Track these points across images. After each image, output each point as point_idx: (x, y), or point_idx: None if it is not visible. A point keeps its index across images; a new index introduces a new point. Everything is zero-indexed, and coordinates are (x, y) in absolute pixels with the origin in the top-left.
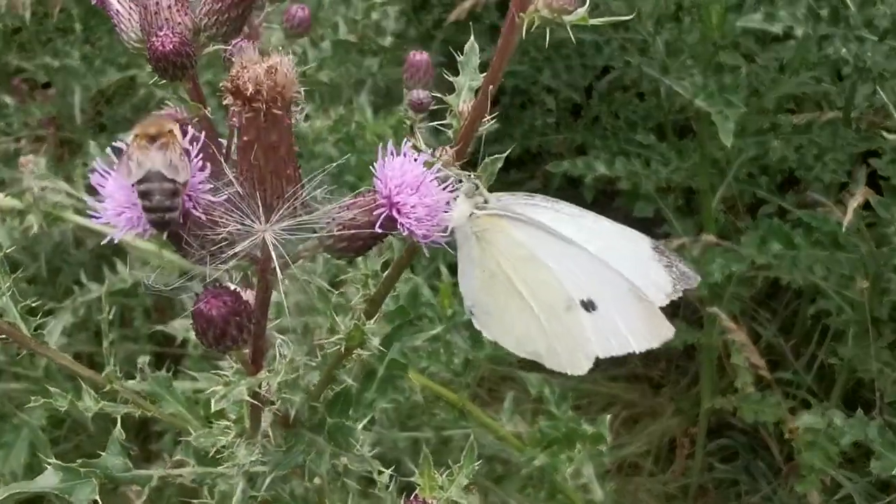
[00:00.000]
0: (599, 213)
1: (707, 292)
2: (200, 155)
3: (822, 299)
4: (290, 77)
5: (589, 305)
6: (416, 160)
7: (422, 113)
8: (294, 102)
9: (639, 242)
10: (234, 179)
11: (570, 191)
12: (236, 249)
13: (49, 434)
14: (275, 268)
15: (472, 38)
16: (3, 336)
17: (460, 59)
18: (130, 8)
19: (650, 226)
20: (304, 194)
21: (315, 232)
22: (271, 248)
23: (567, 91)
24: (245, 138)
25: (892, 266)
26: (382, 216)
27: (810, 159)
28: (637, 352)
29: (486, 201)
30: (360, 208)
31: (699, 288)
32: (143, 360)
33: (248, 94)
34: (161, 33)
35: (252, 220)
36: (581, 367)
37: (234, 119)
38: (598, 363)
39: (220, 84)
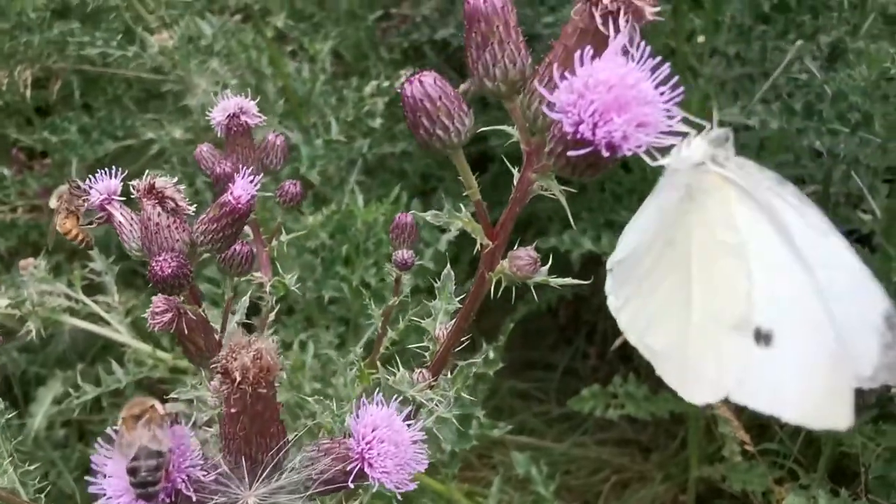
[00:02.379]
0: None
1: None
2: (192, 433)
3: None
4: (274, 361)
5: (765, 338)
6: (389, 409)
7: (406, 271)
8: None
9: (872, 297)
10: (220, 451)
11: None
12: None
13: None
14: None
15: (447, 266)
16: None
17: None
18: (132, 220)
19: None
20: (286, 450)
21: (295, 490)
22: None
23: None
24: (233, 410)
25: None
26: (355, 471)
27: None
28: (782, 420)
29: (727, 159)
30: (335, 458)
31: None
32: None
33: (237, 380)
34: (160, 258)
35: (237, 490)
36: (696, 395)
37: (225, 391)
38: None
39: (211, 364)
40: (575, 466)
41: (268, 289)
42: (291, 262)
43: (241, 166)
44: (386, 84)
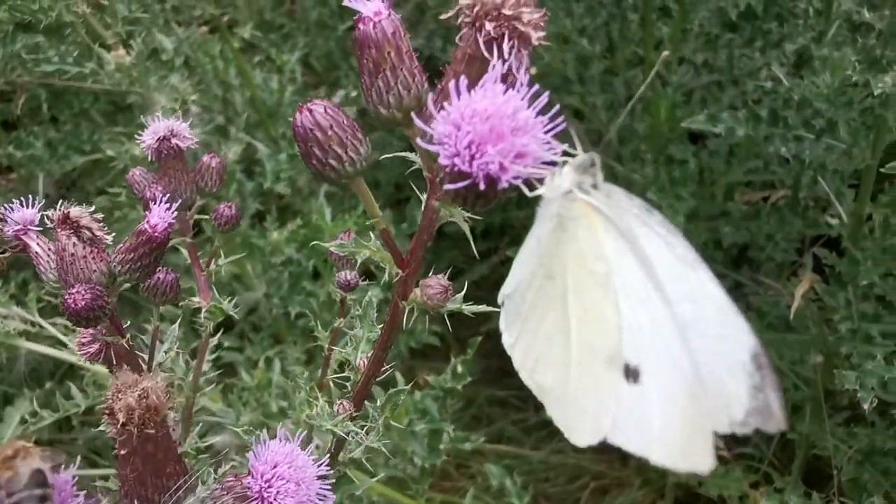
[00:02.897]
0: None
1: None
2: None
3: (778, 376)
4: (161, 401)
5: (633, 374)
6: (291, 445)
7: (350, 291)
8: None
9: (739, 335)
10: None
11: None
12: None
13: None
14: None
15: (368, 293)
16: None
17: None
18: (49, 250)
19: None
20: (184, 490)
21: None
22: None
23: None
24: (123, 452)
25: (840, 353)
26: None
27: (762, 240)
28: (651, 462)
29: (594, 186)
30: (235, 496)
31: None
32: None
33: (121, 421)
34: (73, 290)
35: None
36: (581, 437)
37: (112, 433)
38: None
39: (97, 407)
40: (553, 474)
41: (202, 315)
42: (258, 281)
43: (173, 190)
44: (354, 94)
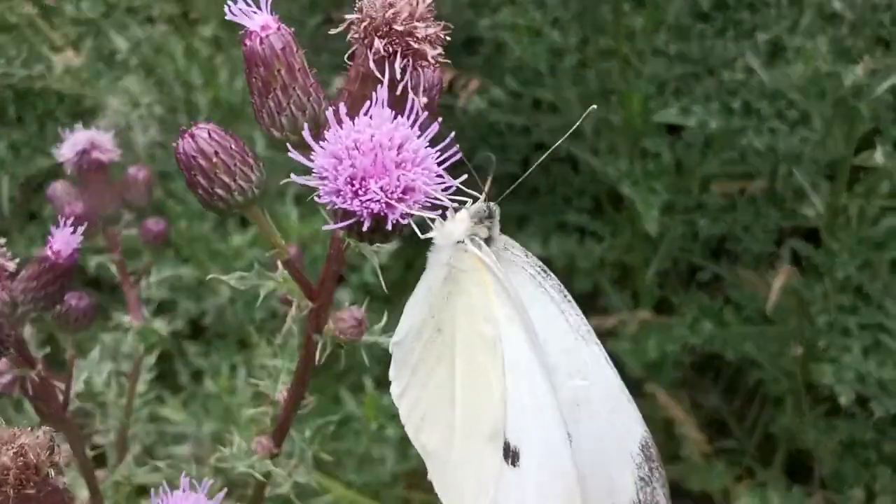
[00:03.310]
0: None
1: (644, 370)
2: None
3: (758, 370)
4: (41, 458)
5: (513, 455)
6: (196, 496)
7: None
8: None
9: (628, 422)
10: None
11: None
12: None
13: None
14: None
15: (288, 319)
16: None
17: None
18: None
19: (590, 300)
20: None
21: None
22: None
23: (504, 166)
24: None
25: (817, 346)
26: None
27: (739, 231)
28: None
29: (489, 240)
30: None
31: (635, 365)
32: None
33: None
34: None
35: None
36: None
37: None
38: None
39: None
40: None
41: (130, 337)
42: (219, 284)
43: (96, 206)
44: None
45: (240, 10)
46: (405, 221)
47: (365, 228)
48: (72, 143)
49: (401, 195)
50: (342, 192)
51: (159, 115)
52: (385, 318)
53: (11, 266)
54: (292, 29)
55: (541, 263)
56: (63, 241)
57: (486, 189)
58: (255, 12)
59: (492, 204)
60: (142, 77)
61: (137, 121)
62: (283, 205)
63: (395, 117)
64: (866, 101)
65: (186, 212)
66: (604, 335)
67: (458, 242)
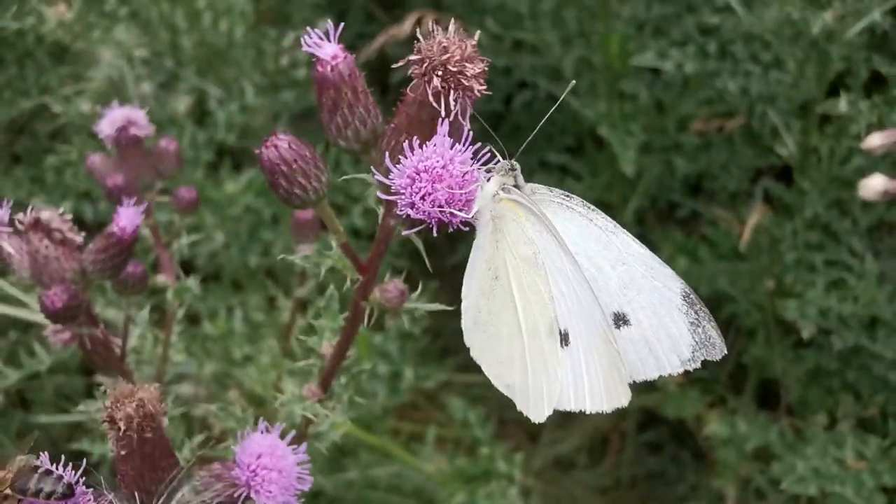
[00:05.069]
0: None
1: None
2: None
3: (732, 303)
4: (157, 409)
5: (564, 337)
6: (272, 436)
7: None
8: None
9: (668, 282)
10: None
11: None
12: None
13: None
14: None
15: (331, 286)
16: None
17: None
18: (21, 250)
19: None
20: (178, 480)
21: None
22: None
23: (489, 104)
24: (123, 453)
25: (786, 281)
26: (243, 496)
27: (715, 170)
28: (587, 412)
29: (516, 185)
30: (224, 484)
31: None
32: None
33: (122, 428)
34: (50, 293)
35: None
36: (542, 411)
37: (113, 437)
38: None
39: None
40: None
41: (169, 295)
42: (216, 230)
43: (135, 177)
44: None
45: (313, 42)
46: (465, 228)
47: (435, 234)
48: (110, 120)
49: (462, 207)
50: (416, 205)
51: (144, 57)
52: (420, 289)
53: (79, 239)
54: (354, 56)
55: (563, 192)
56: (128, 218)
57: (506, 153)
58: (325, 42)
59: (512, 160)
60: (130, 25)
61: (130, 73)
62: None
63: (454, 144)
64: (837, 44)
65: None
66: None
67: (493, 196)
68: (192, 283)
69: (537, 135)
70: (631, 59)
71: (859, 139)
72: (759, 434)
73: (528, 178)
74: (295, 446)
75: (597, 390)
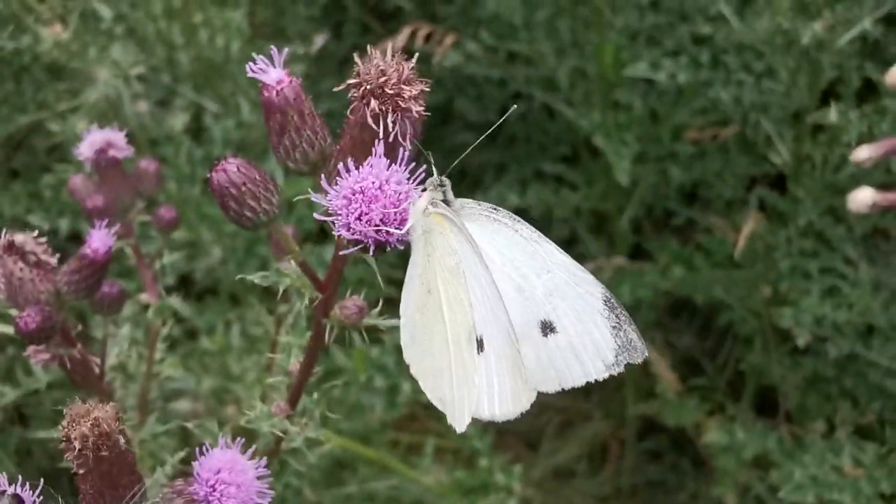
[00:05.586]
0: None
1: None
2: None
3: (728, 311)
4: (112, 427)
5: (479, 344)
6: (232, 451)
7: None
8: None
9: (590, 288)
10: None
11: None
12: None
13: None
14: None
15: (297, 303)
16: None
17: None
18: None
19: (567, 246)
20: (139, 496)
21: None
22: None
23: (483, 115)
24: (81, 471)
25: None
26: None
27: (710, 178)
28: (496, 419)
29: (445, 200)
30: (186, 501)
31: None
32: None
33: (76, 448)
34: (24, 314)
35: None
36: (463, 420)
37: (69, 456)
38: None
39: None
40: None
41: (150, 314)
42: (213, 246)
43: (114, 198)
44: (301, 52)
45: (259, 67)
46: (401, 247)
47: (371, 253)
48: (89, 143)
49: (397, 226)
50: (351, 227)
51: (140, 74)
52: (380, 305)
53: (53, 261)
54: (300, 80)
55: (491, 205)
56: (100, 240)
57: (440, 170)
58: (270, 68)
59: (442, 177)
60: (127, 43)
61: (126, 91)
62: (267, 160)
63: (390, 165)
64: (828, 53)
65: (177, 175)
66: None
67: (424, 211)
68: (175, 301)
69: (532, 145)
70: (624, 70)
71: (851, 147)
72: (757, 442)
73: (523, 188)
74: (256, 461)
75: (505, 394)
